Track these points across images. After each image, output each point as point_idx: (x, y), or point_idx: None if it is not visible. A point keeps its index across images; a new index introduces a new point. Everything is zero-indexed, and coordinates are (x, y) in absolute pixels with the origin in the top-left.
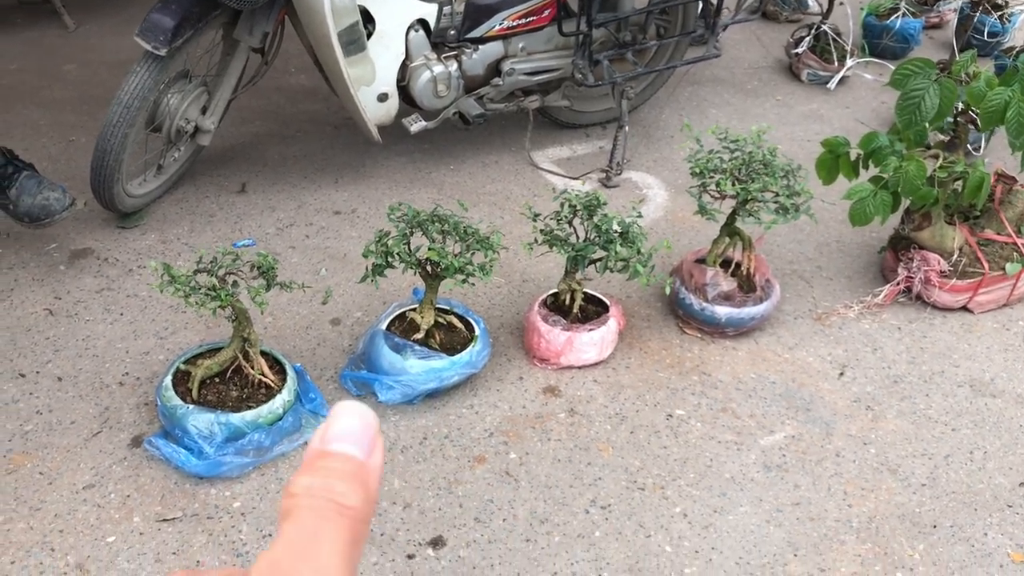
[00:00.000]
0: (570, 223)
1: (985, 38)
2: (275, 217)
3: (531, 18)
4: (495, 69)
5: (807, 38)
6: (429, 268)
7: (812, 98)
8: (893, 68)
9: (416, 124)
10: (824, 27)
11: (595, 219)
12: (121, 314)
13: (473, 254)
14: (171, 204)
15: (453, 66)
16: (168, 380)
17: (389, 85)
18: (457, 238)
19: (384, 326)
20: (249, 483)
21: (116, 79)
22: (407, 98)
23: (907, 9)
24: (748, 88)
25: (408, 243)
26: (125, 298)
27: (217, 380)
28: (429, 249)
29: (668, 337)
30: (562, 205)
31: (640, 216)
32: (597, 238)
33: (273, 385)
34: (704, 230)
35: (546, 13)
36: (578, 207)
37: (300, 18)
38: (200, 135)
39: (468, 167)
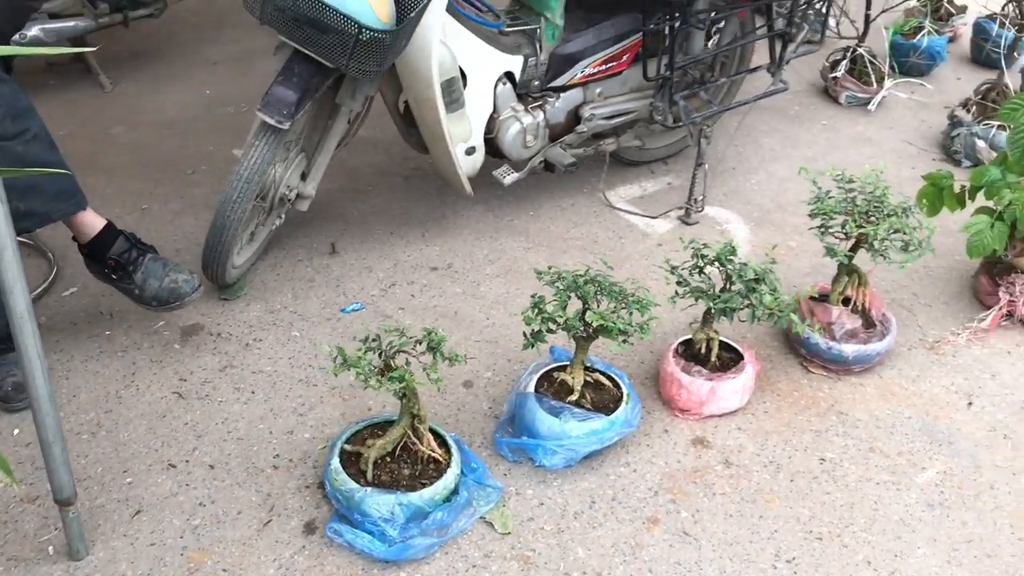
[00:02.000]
0: (701, 271)
1: (1002, 51)
2: (374, 277)
3: (611, 64)
4: (575, 115)
5: (843, 61)
6: (586, 331)
7: (855, 120)
8: (923, 85)
9: (509, 176)
10: (860, 50)
11: (729, 267)
12: (252, 392)
13: (631, 314)
14: (267, 271)
15: (540, 116)
16: (336, 462)
17: (477, 138)
18: (612, 299)
19: (532, 388)
20: (436, 564)
21: (166, 141)
22: (492, 150)
23: (931, 28)
24: (791, 114)
25: (565, 307)
26: (251, 375)
27: (388, 459)
28: (588, 311)
29: (795, 377)
30: (694, 255)
31: (774, 262)
32: (731, 286)
33: (440, 459)
34: (792, 262)
35: (624, 59)
36: (710, 257)
37: (403, 80)
38: (300, 201)
39: (546, 212)
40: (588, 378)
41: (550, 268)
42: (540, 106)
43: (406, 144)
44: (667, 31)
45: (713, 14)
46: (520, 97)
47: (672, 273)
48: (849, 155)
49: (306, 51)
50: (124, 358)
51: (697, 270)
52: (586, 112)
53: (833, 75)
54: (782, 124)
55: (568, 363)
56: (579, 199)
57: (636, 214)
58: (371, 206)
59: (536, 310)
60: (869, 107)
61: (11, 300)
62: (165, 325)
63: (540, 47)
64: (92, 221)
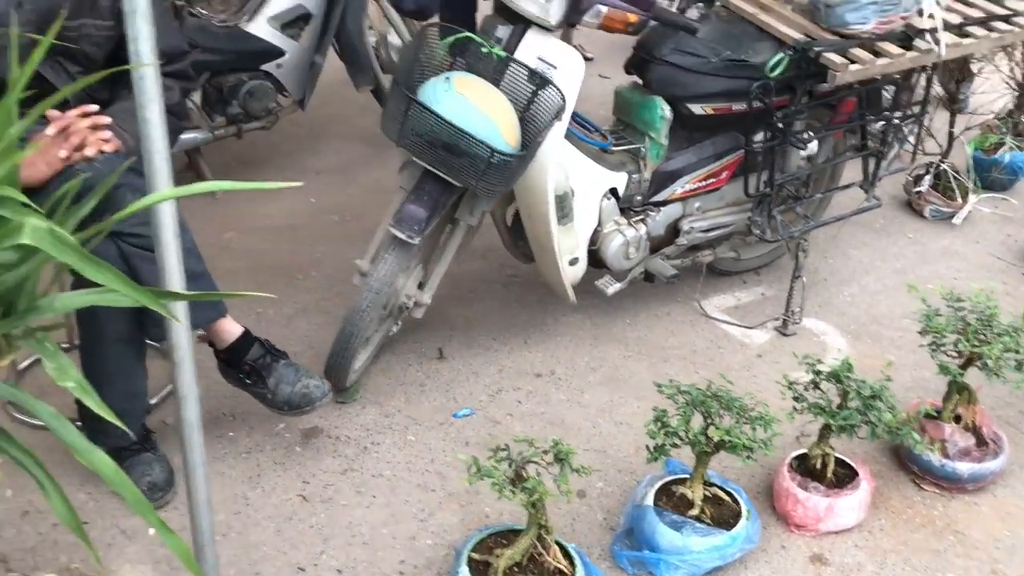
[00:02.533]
0: (816, 387)
1: None
2: (481, 383)
3: (710, 180)
4: (674, 228)
5: (927, 176)
6: (709, 446)
7: (941, 234)
8: (1006, 199)
9: (611, 287)
10: (943, 165)
11: (847, 384)
12: (374, 496)
13: (754, 429)
14: (379, 374)
15: (642, 229)
16: (465, 571)
17: (581, 250)
18: (734, 414)
19: (651, 501)
20: None
21: (277, 247)
22: (594, 260)
23: (1013, 143)
24: (877, 227)
25: (688, 422)
26: (371, 478)
27: (515, 568)
28: (712, 427)
29: (907, 494)
30: (808, 372)
31: (889, 379)
32: (848, 402)
33: (565, 571)
34: (892, 376)
35: (723, 175)
36: (826, 374)
37: (518, 195)
38: (416, 308)
39: (643, 320)
40: (706, 492)
41: (671, 381)
42: (642, 219)
43: (505, 252)
44: (767, 150)
45: (811, 134)
46: (623, 211)
47: (789, 388)
48: (938, 268)
49: (437, 171)
50: (248, 459)
51: (813, 386)
52: (685, 225)
53: (917, 190)
54: (869, 237)
55: (684, 476)
56: (674, 308)
57: (733, 324)
58: (474, 312)
59: (659, 424)
60: (954, 221)
61: (185, 409)
62: (286, 427)
63: (644, 164)
64: (231, 328)
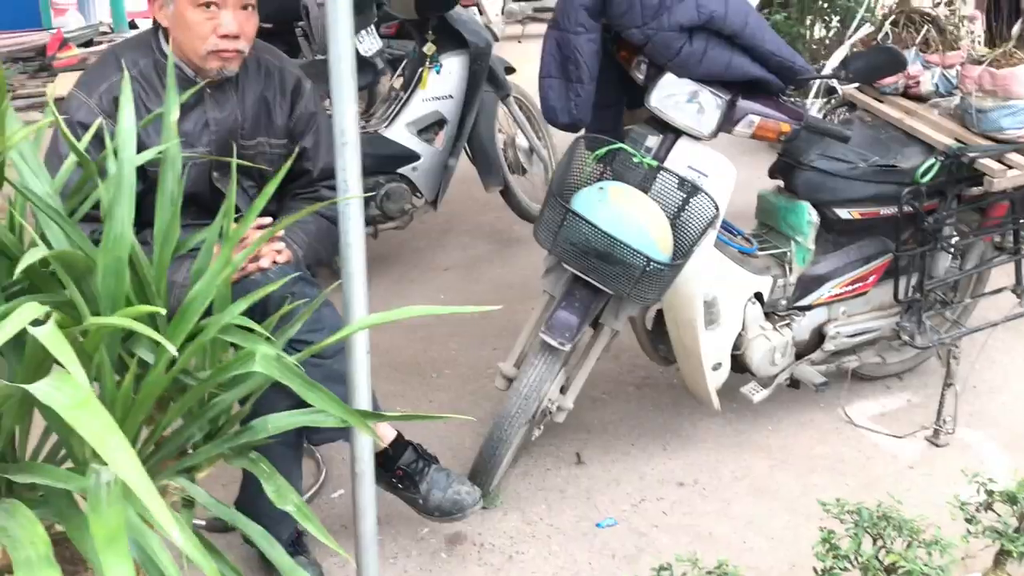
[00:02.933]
0: (990, 507)
1: None
2: (623, 491)
3: (857, 284)
4: (819, 333)
5: None
6: (882, 570)
7: None
8: None
9: (759, 393)
10: None
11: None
12: None
13: (930, 554)
14: (518, 479)
15: (788, 334)
16: None
17: (725, 355)
18: (906, 537)
19: None
20: None
21: (411, 344)
22: (736, 365)
23: None
24: (1022, 330)
25: (860, 545)
26: None
27: None
28: (887, 552)
29: None
30: (979, 491)
31: None
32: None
33: None
34: None
35: (870, 279)
36: (1000, 494)
37: (666, 301)
38: (558, 413)
39: (784, 427)
40: None
41: (838, 500)
42: (787, 324)
43: (635, 354)
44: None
45: (960, 239)
46: (767, 316)
47: (961, 509)
48: None
49: (588, 279)
50: (396, 566)
51: (986, 507)
52: (831, 330)
53: None
54: (1016, 342)
55: None
56: (816, 414)
57: (881, 433)
58: (609, 415)
59: (828, 546)
60: None
61: (362, 522)
62: (430, 532)
63: (790, 269)
64: (385, 433)
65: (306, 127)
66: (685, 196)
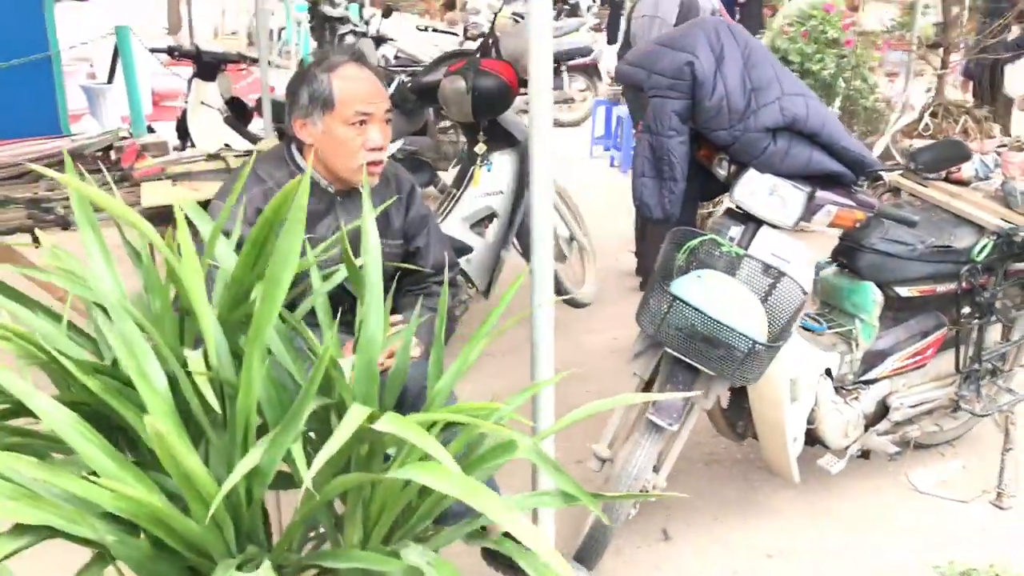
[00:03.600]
0: None
1: None
2: (716, 566)
3: (917, 357)
4: (883, 404)
5: None
6: None
7: None
8: None
9: (836, 465)
10: None
11: None
12: None
13: None
14: (612, 557)
15: (859, 408)
16: None
17: (801, 429)
18: None
19: None
20: None
21: None
22: (807, 439)
23: None
24: None
25: None
26: None
27: None
28: None
29: None
30: None
31: None
32: None
33: None
34: None
35: (929, 352)
36: None
37: (750, 389)
38: (652, 491)
39: (854, 496)
40: None
41: (951, 562)
42: (856, 398)
43: (701, 432)
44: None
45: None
46: (836, 390)
47: None
48: None
49: (691, 361)
50: None
51: None
52: (895, 402)
53: None
54: None
55: None
56: (882, 482)
57: (947, 499)
58: (686, 491)
59: None
60: None
61: None
62: None
63: (856, 345)
64: None
65: (419, 228)
66: (772, 282)
